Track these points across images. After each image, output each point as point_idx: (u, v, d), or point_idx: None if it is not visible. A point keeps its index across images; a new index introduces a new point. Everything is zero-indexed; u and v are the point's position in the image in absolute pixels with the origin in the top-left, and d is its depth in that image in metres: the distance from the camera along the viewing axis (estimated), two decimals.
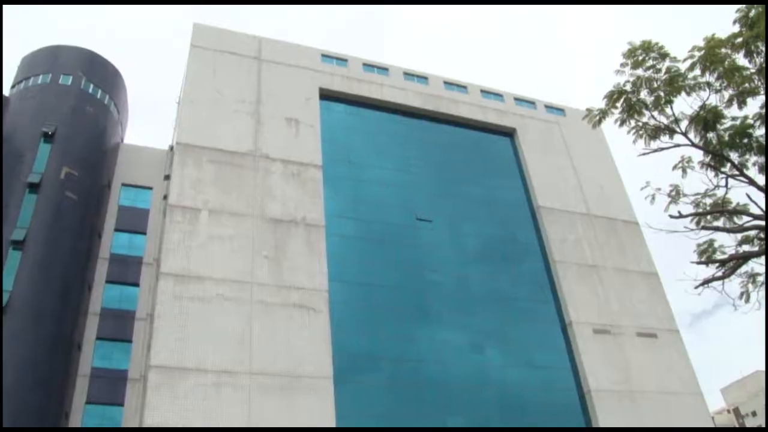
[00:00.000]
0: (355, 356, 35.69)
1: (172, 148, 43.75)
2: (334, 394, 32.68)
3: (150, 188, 45.52)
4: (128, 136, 50.95)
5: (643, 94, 17.96)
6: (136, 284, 41.45)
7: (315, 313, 34.57)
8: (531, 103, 55.15)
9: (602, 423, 37.81)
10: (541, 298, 43.47)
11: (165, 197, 39.61)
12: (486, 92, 53.61)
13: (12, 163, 42.05)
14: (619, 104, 18.05)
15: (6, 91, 47.43)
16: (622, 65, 17.91)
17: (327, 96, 46.14)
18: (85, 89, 46.46)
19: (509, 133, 52.03)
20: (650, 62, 17.66)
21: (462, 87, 52.99)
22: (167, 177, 41.06)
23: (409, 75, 51.08)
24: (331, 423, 31.61)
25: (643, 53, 17.62)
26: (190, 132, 39.41)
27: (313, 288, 35.43)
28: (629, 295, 44.86)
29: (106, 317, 40.16)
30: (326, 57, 48.77)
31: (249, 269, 34.73)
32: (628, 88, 17.93)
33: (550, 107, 55.78)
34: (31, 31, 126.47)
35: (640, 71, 17.75)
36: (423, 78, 51.58)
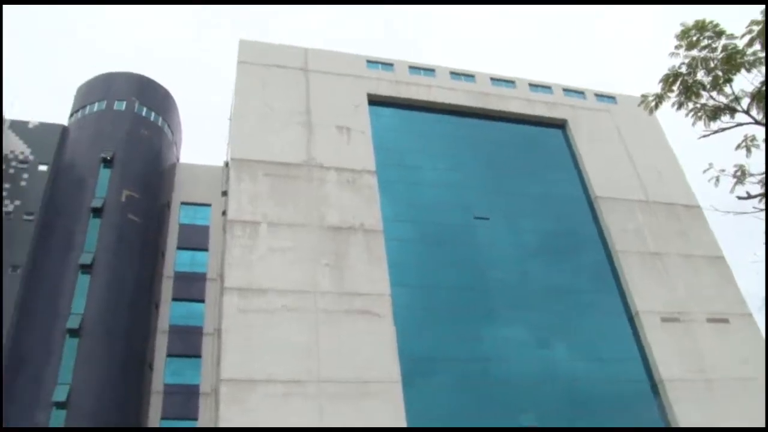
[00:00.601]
0: (421, 359, 35.67)
1: (227, 164, 44.47)
2: (403, 397, 32.69)
3: (208, 205, 46.40)
4: (183, 155, 52.00)
5: (700, 75, 17.51)
6: (202, 300, 42.28)
7: (379, 318, 34.67)
8: (580, 93, 54.39)
9: (677, 412, 36.99)
10: (605, 289, 42.77)
11: (224, 213, 40.26)
12: (534, 86, 53.07)
13: (75, 190, 43.33)
14: (675, 87, 17.62)
15: (65, 121, 48.94)
16: (676, 47, 17.46)
17: (375, 101, 46.29)
18: (138, 113, 47.58)
19: (560, 125, 51.42)
20: (705, 42, 17.19)
21: (509, 82, 52.57)
22: (224, 193, 41.74)
23: (455, 74, 50.91)
24: (401, 426, 31.64)
25: (697, 33, 17.14)
26: (243, 147, 39.98)
27: (376, 293, 35.55)
28: (696, 280, 43.83)
29: (174, 334, 41.04)
30: (372, 63, 48.95)
31: (311, 279, 35.04)
32: (683, 70, 17.48)
33: (600, 96, 54.90)
34: (81, 59, 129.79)
35: (694, 52, 17.26)
36: (470, 76, 51.34)
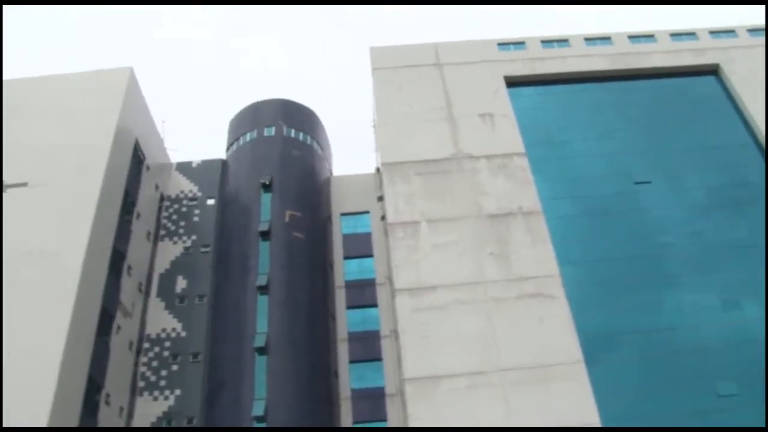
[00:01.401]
0: (600, 335, 34.74)
1: (378, 170, 45.48)
2: (589, 377, 31.96)
3: (367, 212, 47.73)
4: (335, 168, 53.74)
5: None
6: (375, 305, 43.52)
7: (552, 299, 34.14)
8: (730, 32, 50.72)
9: None
10: None
11: (383, 218, 41.21)
12: (676, 34, 50.22)
13: (242, 217, 45.99)
14: None
15: (222, 154, 52.00)
16: None
17: (513, 83, 45.63)
18: (287, 135, 49.79)
19: (712, 71, 48.31)
20: None
21: (649, 36, 50.09)
22: (380, 198, 42.70)
23: (590, 40, 49.23)
24: (591, 407, 30.82)
25: None
26: (391, 151, 40.70)
27: (544, 275, 35.00)
28: None
29: (353, 341, 42.49)
30: (503, 45, 48.31)
31: (477, 269, 35.08)
32: None
33: (754, 30, 50.84)
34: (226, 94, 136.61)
35: None
36: (605, 39, 49.46)
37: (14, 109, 43.43)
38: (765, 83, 44.32)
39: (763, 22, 52.03)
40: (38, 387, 31.27)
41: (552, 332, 33.13)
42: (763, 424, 30.85)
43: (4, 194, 38.91)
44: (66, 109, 42.80)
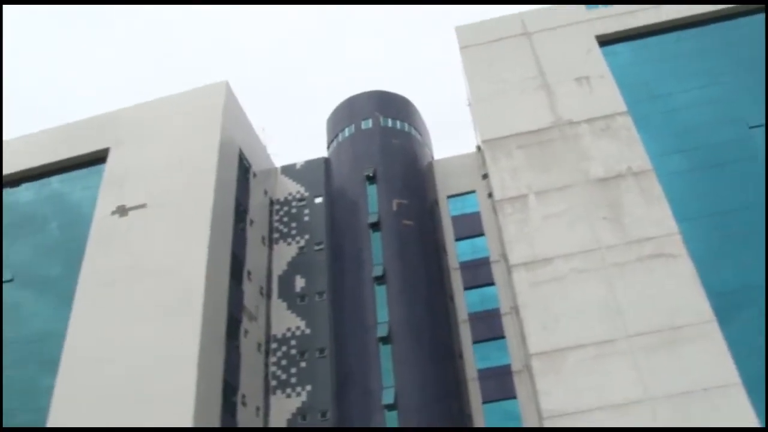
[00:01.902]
0: (730, 291, 33.18)
1: (479, 148, 45.18)
2: (723, 335, 30.67)
3: (473, 192, 47.49)
4: (436, 152, 53.75)
5: None
6: (491, 283, 43.28)
7: (673, 258, 32.96)
8: None
9: None
10: None
11: (489, 195, 40.90)
12: None
13: (351, 212, 46.78)
14: None
15: (324, 153, 52.97)
16: None
17: (606, 41, 44.10)
18: (385, 126, 50.17)
19: None
20: None
21: None
22: (485, 176, 42.44)
23: None
24: (729, 367, 29.52)
25: None
26: (490, 127, 40.32)
27: (663, 234, 33.78)
28: None
29: (474, 321, 42.43)
30: (590, 4, 46.82)
31: (592, 236, 34.29)
32: None
33: None
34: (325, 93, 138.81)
35: None
36: None
37: (126, 136, 46.05)
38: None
39: None
40: (180, 395, 32.99)
41: (678, 293, 32.01)
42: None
43: (127, 217, 41.25)
44: (171, 130, 44.88)
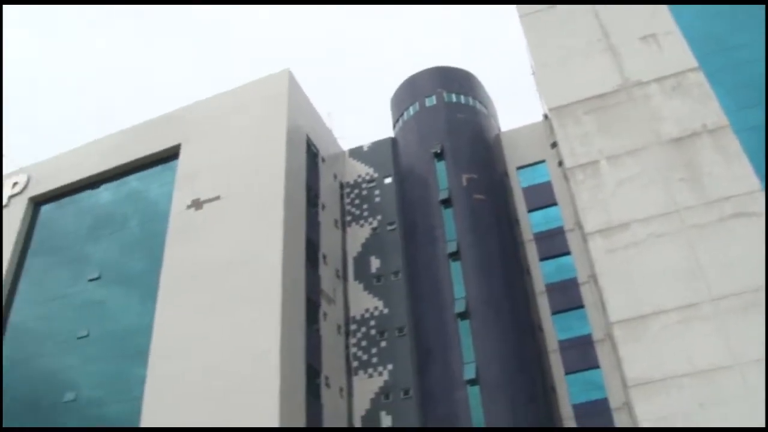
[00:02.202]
0: None
1: (546, 116, 44.35)
2: None
3: (542, 162, 46.79)
4: (502, 124, 53.08)
5: None
6: (567, 253, 42.67)
7: (757, 217, 31.72)
8: None
9: None
10: None
11: (560, 164, 40.16)
12: None
13: (421, 190, 46.74)
14: None
15: (390, 133, 52.98)
16: None
17: None
18: (449, 101, 49.80)
19: None
20: None
21: None
22: (553, 144, 41.68)
23: None
24: None
25: None
26: (556, 94, 39.42)
27: (744, 192, 32.40)
28: None
29: (552, 292, 41.97)
30: None
31: (669, 199, 33.23)
32: None
33: None
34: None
35: None
36: None
37: (195, 131, 47.19)
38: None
39: None
40: (265, 380, 33.85)
41: (762, 252, 30.80)
42: None
43: (202, 210, 42.32)
44: (239, 122, 45.73)
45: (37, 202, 52.98)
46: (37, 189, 52.72)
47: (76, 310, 44.44)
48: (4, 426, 41.91)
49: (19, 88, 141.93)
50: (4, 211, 52.59)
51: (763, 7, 40.82)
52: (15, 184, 53.83)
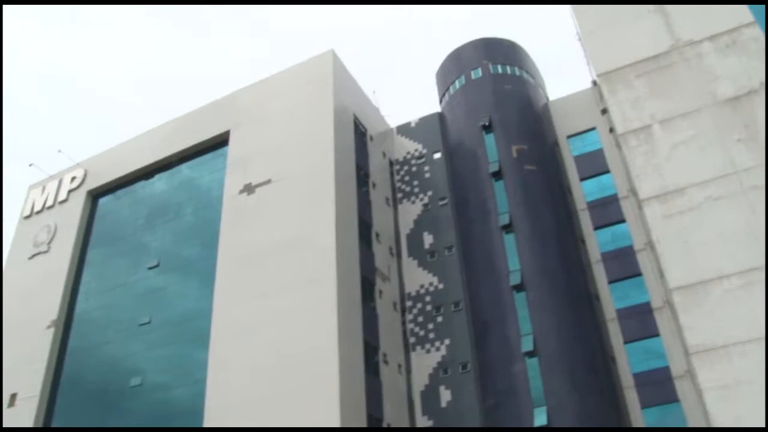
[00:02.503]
0: None
1: (595, 82, 43.50)
2: None
3: (593, 129, 45.95)
4: (550, 93, 52.17)
5: None
6: (622, 221, 41.97)
7: None
8: None
9: None
10: None
11: (611, 130, 39.41)
12: None
13: (471, 163, 46.41)
14: None
15: (437, 108, 52.62)
16: None
17: None
18: (495, 73, 49.16)
19: None
20: None
21: None
22: (604, 111, 40.88)
23: None
24: None
25: None
26: (604, 59, 38.51)
27: None
28: None
29: (608, 261, 41.38)
30: None
31: (726, 160, 32.28)
32: None
33: None
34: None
35: None
36: None
37: (243, 116, 47.69)
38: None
39: None
40: (324, 360, 34.29)
41: None
42: None
43: (254, 194, 42.86)
44: (286, 105, 46.04)
45: (95, 195, 54.44)
46: (95, 182, 54.17)
47: (137, 297, 45.64)
48: (78, 414, 43.49)
49: (76, 85, 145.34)
50: (65, 206, 54.16)
51: None
52: (73, 178, 55.39)
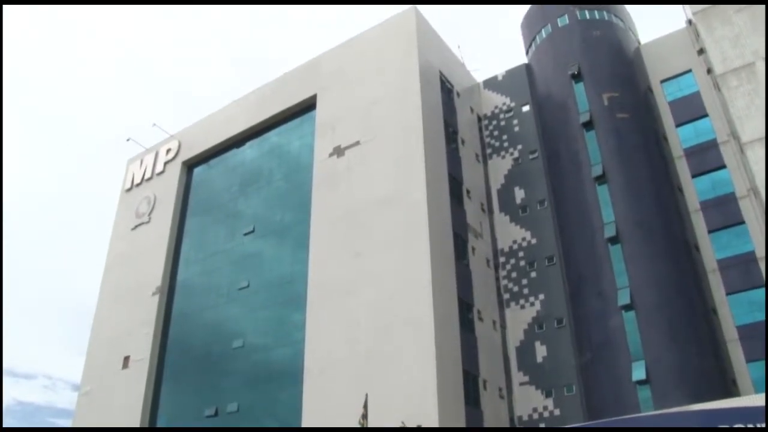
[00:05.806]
0: None
1: (690, 21, 41.49)
2: None
3: (688, 71, 43.78)
4: (642, 35, 49.92)
5: None
6: (722, 167, 40.01)
7: None
8: None
9: None
10: None
11: (709, 71, 37.55)
12: None
13: (561, 114, 45.30)
14: None
15: (524, 59, 51.39)
16: None
17: None
18: (582, 19, 47.47)
19: None
20: None
21: None
22: (701, 51, 38.99)
23: None
24: None
25: None
26: None
27: None
28: None
29: (708, 209, 39.74)
30: None
31: None
32: None
33: None
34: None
35: None
36: None
37: (329, 80, 48.03)
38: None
39: None
40: (419, 318, 34.66)
41: None
42: None
43: (344, 156, 43.23)
44: (371, 66, 46.05)
45: (189, 166, 56.23)
46: (189, 153, 55.92)
47: (235, 263, 47.13)
48: (184, 374, 45.49)
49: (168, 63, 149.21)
50: (162, 177, 56.22)
51: None
52: (168, 150, 57.36)
